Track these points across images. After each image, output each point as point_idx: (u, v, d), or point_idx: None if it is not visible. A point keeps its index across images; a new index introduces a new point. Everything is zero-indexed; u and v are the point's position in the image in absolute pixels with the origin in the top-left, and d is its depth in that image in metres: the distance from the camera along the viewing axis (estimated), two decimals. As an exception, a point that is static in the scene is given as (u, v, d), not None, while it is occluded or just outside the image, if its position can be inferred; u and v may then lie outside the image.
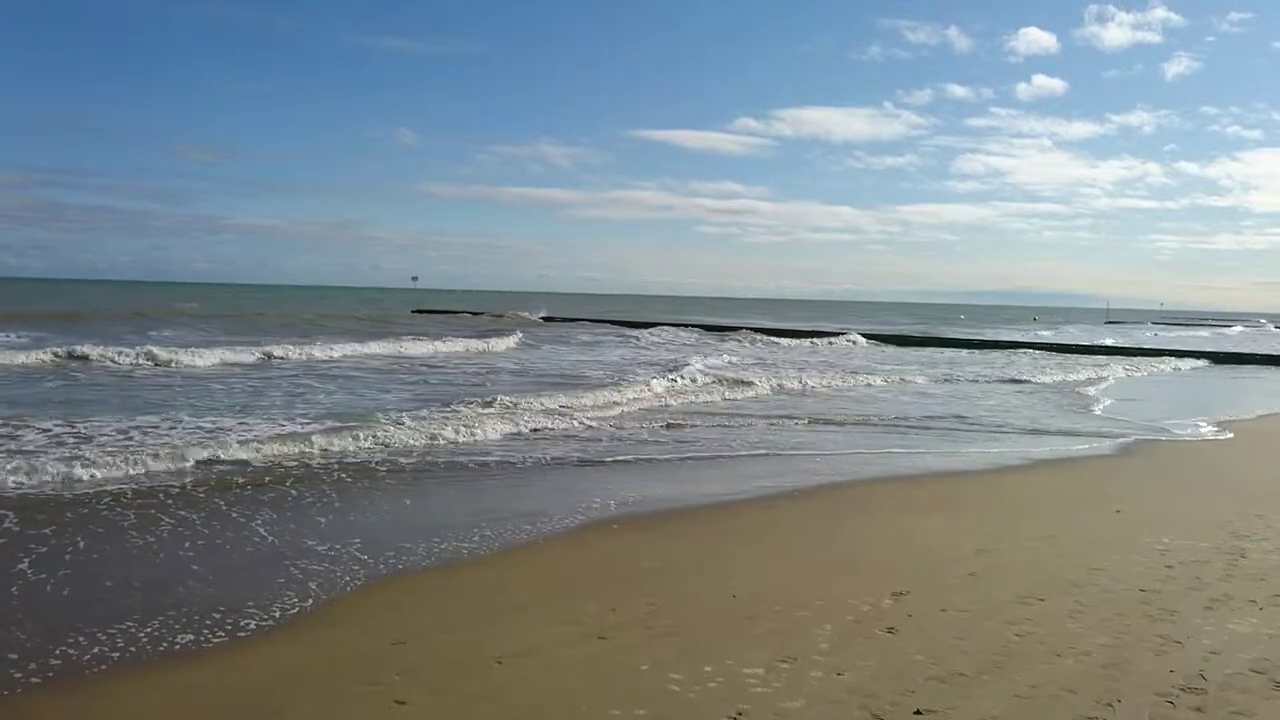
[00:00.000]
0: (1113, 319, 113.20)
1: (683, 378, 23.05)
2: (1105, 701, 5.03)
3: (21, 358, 23.30)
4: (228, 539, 8.19)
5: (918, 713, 4.86)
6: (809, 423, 17.03)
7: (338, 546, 7.96)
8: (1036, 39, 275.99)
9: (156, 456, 11.05)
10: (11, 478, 9.82)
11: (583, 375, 24.72)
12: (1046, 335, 59.14)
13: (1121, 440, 15.75)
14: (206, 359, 24.93)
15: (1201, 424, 18.14)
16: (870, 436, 15.78)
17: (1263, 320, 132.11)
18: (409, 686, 5.14)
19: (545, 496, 10.38)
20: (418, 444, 13.13)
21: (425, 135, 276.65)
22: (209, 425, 13.88)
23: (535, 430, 14.81)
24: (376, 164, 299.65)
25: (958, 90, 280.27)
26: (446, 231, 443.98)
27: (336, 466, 11.44)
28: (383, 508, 9.66)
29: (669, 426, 15.96)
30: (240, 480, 10.44)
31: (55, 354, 24.35)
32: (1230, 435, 16.97)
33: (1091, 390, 25.36)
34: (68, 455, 11.05)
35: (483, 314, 68.30)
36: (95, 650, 5.61)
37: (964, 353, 42.04)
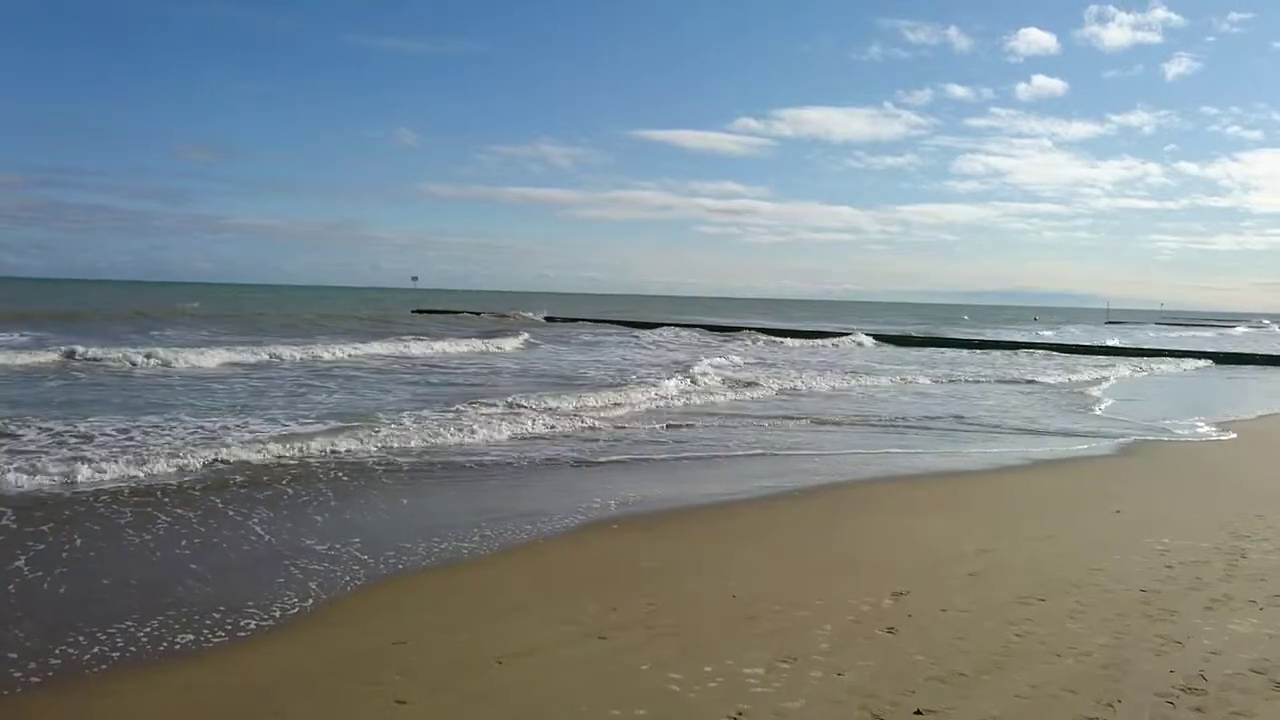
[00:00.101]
0: (1113, 319, 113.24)
1: (692, 379, 23.03)
2: (1105, 702, 5.03)
3: (23, 358, 23.31)
4: (227, 539, 8.19)
5: (918, 713, 4.86)
6: (811, 423, 17.04)
7: (338, 546, 7.96)
8: (1036, 39, 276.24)
9: (157, 456, 11.05)
10: (11, 477, 9.81)
11: (589, 376, 24.68)
12: (1048, 335, 59.16)
13: (1122, 440, 15.75)
14: (208, 359, 24.92)
15: (1202, 424, 18.13)
16: (871, 436, 15.77)
17: (1266, 320, 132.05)
18: (409, 686, 5.14)
19: (545, 496, 10.38)
20: (420, 444, 13.12)
21: (425, 135, 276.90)
22: (210, 425, 13.88)
23: (540, 430, 14.74)
24: (376, 164, 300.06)
25: (958, 90, 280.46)
26: (446, 231, 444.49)
27: (337, 466, 11.44)
28: (383, 507, 9.66)
29: (670, 426, 15.96)
30: (240, 480, 10.44)
31: (57, 354, 24.38)
32: (1231, 436, 16.96)
33: (1094, 390, 25.35)
34: (68, 455, 11.06)
35: (483, 314, 68.26)
36: (95, 650, 5.61)
37: (968, 353, 41.97)
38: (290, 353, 27.79)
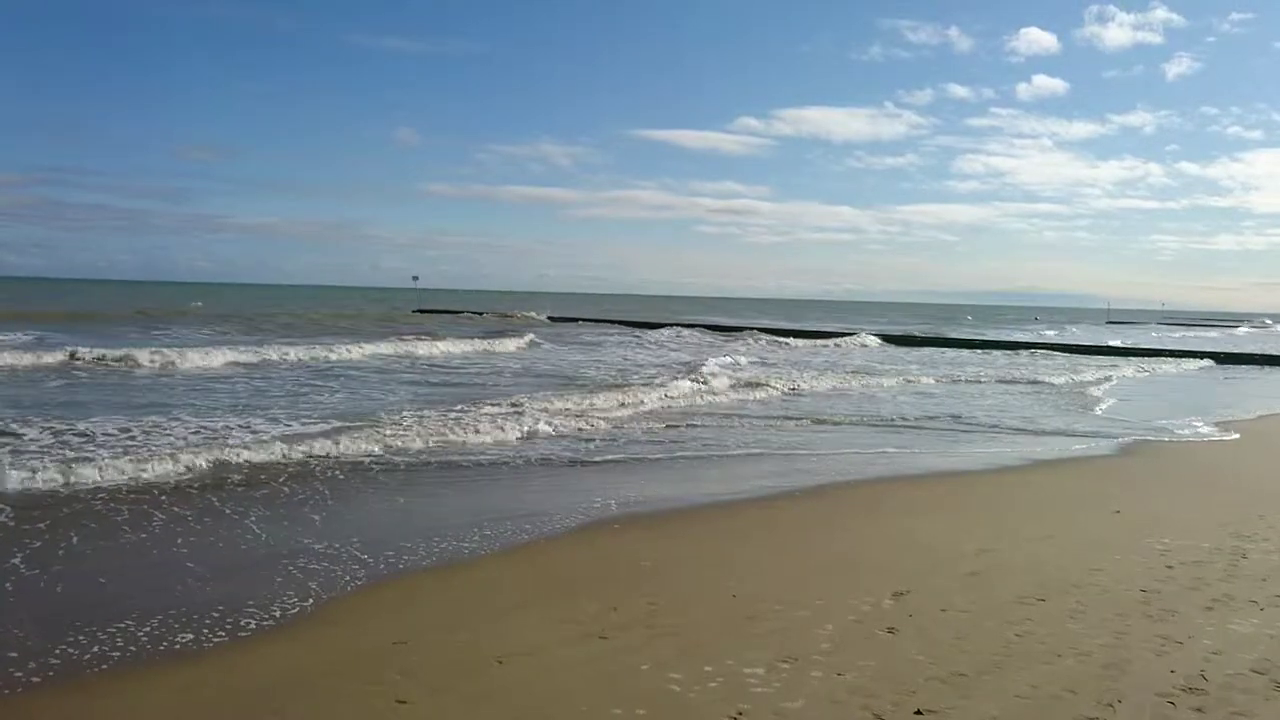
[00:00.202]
0: (1114, 319, 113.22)
1: (698, 379, 23.01)
2: (1105, 702, 5.03)
3: (28, 358, 23.34)
4: (227, 538, 8.19)
5: (918, 713, 4.85)
6: (812, 422, 17.04)
7: (338, 546, 7.96)
8: (1037, 39, 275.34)
9: (157, 456, 11.05)
10: (11, 475, 9.81)
11: (594, 376, 24.67)
12: (1051, 335, 59.16)
13: (1122, 440, 15.74)
14: (210, 359, 24.93)
15: (1203, 424, 18.12)
16: (872, 436, 15.77)
17: (1268, 320, 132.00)
18: (409, 686, 5.14)
19: (546, 496, 10.38)
20: (421, 444, 13.10)
21: (425, 135, 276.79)
22: (211, 425, 13.90)
23: (545, 431, 14.71)
24: (376, 164, 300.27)
25: (958, 90, 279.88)
26: (447, 231, 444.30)
27: (338, 466, 11.45)
28: (383, 507, 9.67)
29: (673, 426, 15.96)
30: (240, 480, 10.45)
31: (59, 353, 24.39)
32: (1232, 436, 16.95)
33: (1096, 390, 25.34)
34: (69, 455, 11.08)
35: (486, 314, 68.25)
36: (95, 650, 5.61)
37: (968, 353, 42.00)
38: (292, 353, 27.81)
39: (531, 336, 40.37)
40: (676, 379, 22.87)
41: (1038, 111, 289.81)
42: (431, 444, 13.16)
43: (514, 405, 17.10)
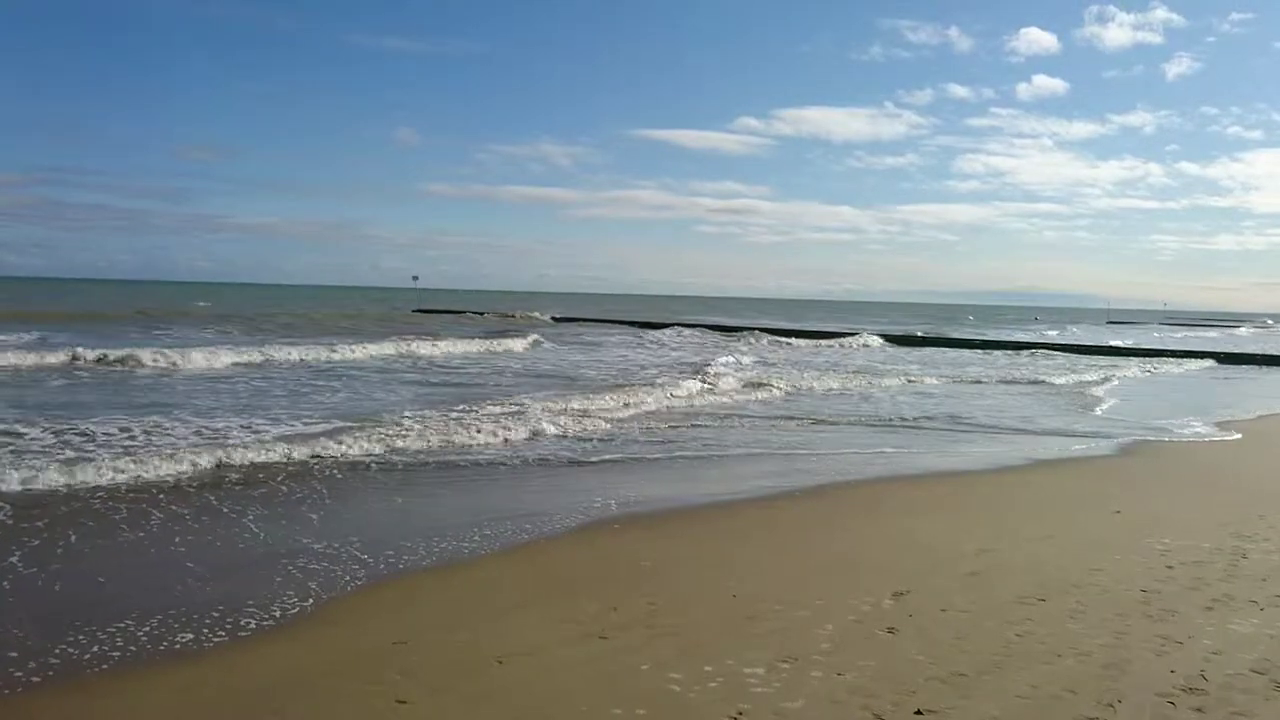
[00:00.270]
0: (1114, 319, 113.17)
1: (703, 379, 23.00)
2: (1106, 702, 5.03)
3: (30, 358, 23.35)
4: (227, 538, 8.20)
5: (918, 713, 4.85)
6: (813, 422, 17.03)
7: (337, 545, 7.96)
8: (1037, 39, 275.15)
9: (158, 456, 11.06)
10: (11, 475, 9.83)
11: (599, 376, 24.65)
12: (1053, 335, 59.16)
13: (1123, 440, 15.73)
14: (211, 359, 24.94)
15: (1204, 424, 18.12)
16: (872, 436, 15.76)
17: (1269, 321, 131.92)
18: (409, 686, 5.15)
19: (546, 496, 10.38)
20: (423, 444, 13.10)
21: (425, 135, 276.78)
22: (212, 425, 13.91)
23: (550, 431, 14.68)
24: (376, 164, 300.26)
25: (958, 90, 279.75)
26: (447, 231, 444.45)
27: (338, 466, 11.45)
28: (383, 507, 9.68)
29: (675, 426, 15.95)
30: (241, 480, 10.45)
31: (61, 353, 24.40)
32: (1232, 436, 16.94)
33: (1098, 390, 25.35)
34: (70, 455, 11.09)
35: (487, 314, 68.22)
36: (95, 650, 5.62)
37: (969, 353, 41.97)
38: (292, 353, 27.82)
39: (536, 336, 40.32)
40: (681, 379, 22.85)
41: (1038, 111, 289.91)
42: (432, 444, 13.15)
43: (517, 406, 17.09)
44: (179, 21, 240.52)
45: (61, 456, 10.98)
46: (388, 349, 30.82)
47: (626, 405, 18.25)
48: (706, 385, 21.98)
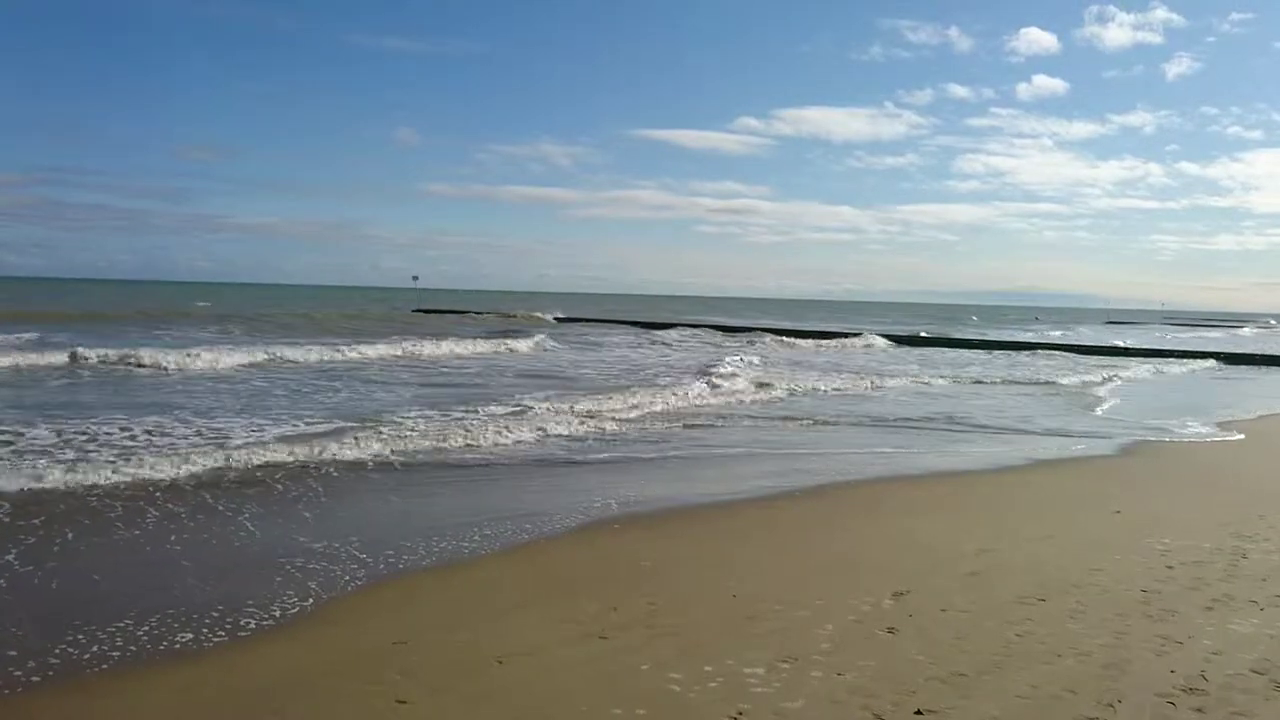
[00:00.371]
0: (1113, 319, 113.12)
1: (710, 380, 22.97)
2: (1106, 702, 5.02)
3: (31, 358, 23.35)
4: (227, 538, 8.20)
5: (918, 713, 4.85)
6: (815, 422, 17.03)
7: (337, 545, 7.96)
8: (1037, 39, 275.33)
9: (159, 455, 11.07)
10: (11, 474, 9.83)
11: (604, 378, 24.58)
12: (1055, 335, 59.16)
13: (1123, 440, 15.73)
14: (211, 359, 24.91)
15: (1204, 424, 18.11)
16: (872, 436, 15.76)
17: (1272, 321, 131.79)
18: (409, 686, 5.15)
19: (546, 496, 10.38)
20: (423, 444, 13.09)
21: (425, 135, 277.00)
22: (213, 425, 13.91)
23: (555, 431, 14.63)
24: (376, 164, 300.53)
25: (958, 90, 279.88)
26: (447, 231, 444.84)
27: (340, 466, 11.45)
28: (382, 507, 9.67)
29: (676, 427, 15.94)
30: (241, 480, 10.45)
31: (61, 354, 24.40)
32: (1233, 436, 16.93)
33: (1102, 390, 25.35)
34: (71, 455, 11.09)
35: (488, 314, 68.16)
36: (95, 649, 5.62)
37: (975, 353, 41.93)
38: (293, 353, 27.78)
39: (540, 337, 40.19)
40: (687, 380, 22.81)
41: (1038, 111, 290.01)
42: (434, 444, 13.15)
43: (521, 406, 17.06)
44: (179, 21, 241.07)
45: (61, 456, 10.98)
46: (393, 350, 30.60)
47: (635, 407, 18.06)
48: (714, 387, 21.93)
